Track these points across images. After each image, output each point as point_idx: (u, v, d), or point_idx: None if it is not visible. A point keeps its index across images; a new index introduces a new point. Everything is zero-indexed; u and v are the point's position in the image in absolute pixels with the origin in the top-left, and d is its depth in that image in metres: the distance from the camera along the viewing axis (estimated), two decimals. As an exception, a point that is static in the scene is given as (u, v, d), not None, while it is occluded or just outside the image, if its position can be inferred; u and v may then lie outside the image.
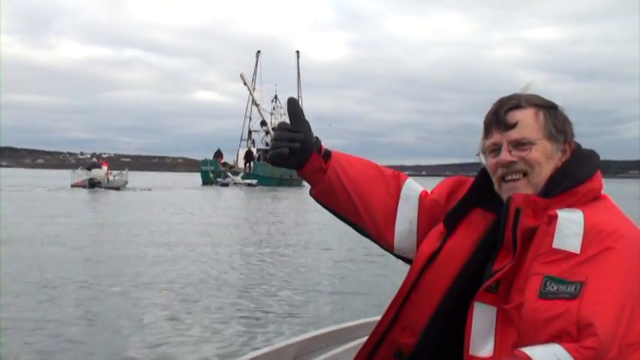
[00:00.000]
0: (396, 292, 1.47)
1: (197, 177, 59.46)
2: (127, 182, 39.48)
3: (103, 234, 14.13)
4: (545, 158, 1.38)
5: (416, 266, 1.45)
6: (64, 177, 48.44)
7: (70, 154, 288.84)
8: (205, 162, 52.77)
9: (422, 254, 1.45)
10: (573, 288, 1.19)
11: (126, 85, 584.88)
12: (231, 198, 32.97)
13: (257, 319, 6.76)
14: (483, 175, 1.46)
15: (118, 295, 7.68)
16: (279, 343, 1.79)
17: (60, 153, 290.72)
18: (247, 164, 53.65)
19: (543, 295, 1.20)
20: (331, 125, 60.10)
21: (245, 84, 57.22)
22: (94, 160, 41.25)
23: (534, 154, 1.38)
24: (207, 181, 50.68)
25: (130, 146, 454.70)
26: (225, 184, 48.62)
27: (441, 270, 1.40)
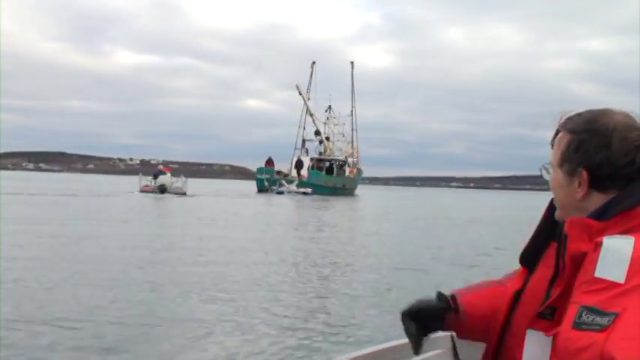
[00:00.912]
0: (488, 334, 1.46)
1: (249, 184, 61.29)
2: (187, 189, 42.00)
3: (199, 242, 14.17)
4: (556, 186, 1.36)
5: (504, 306, 1.44)
6: (127, 182, 51.13)
7: (120, 159, 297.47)
8: (261, 170, 54.19)
9: (508, 294, 1.44)
10: (607, 320, 1.12)
11: (176, 93, 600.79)
12: (288, 206, 33.95)
13: (315, 331, 6.53)
14: (553, 207, 1.41)
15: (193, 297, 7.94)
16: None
17: (110, 158, 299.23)
18: (298, 173, 55.15)
19: (577, 325, 1.15)
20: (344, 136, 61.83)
21: (300, 94, 59.08)
22: (160, 167, 43.65)
23: (551, 180, 1.38)
24: (262, 189, 52.13)
25: (178, 152, 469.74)
26: (281, 192, 50.07)
27: (525, 310, 1.36)
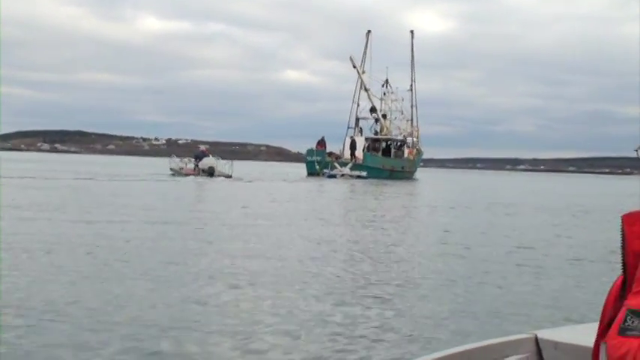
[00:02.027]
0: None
1: (292, 167, 61.97)
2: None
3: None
4: None
5: None
6: (152, 164, 51.97)
7: (144, 139, 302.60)
8: (311, 152, 55.23)
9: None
10: None
11: (206, 64, 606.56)
12: (342, 192, 34.72)
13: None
14: None
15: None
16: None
17: (133, 138, 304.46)
18: (351, 155, 55.99)
19: (622, 331, 1.14)
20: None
21: (354, 67, 59.70)
22: (202, 148, 45.43)
23: None
24: (312, 173, 53.24)
25: (208, 131, 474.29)
26: (333, 176, 51.10)
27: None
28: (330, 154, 55.54)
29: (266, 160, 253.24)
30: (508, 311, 7.66)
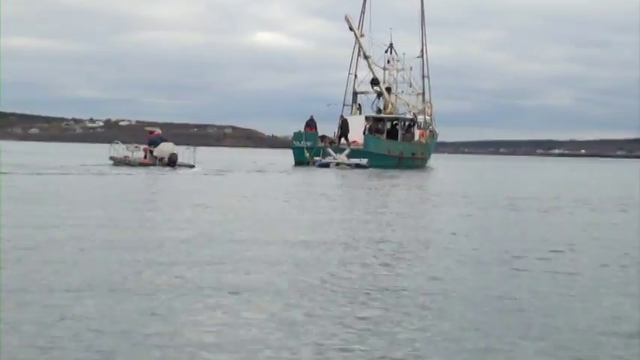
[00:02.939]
0: None
1: (274, 154, 61.71)
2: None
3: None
4: None
5: None
6: (90, 153, 49.99)
7: (76, 120, 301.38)
8: (299, 136, 56.19)
9: None
10: None
11: (155, 24, 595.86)
12: (337, 187, 33.86)
13: None
14: None
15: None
16: None
17: (61, 119, 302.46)
18: (341, 138, 56.98)
19: None
20: (330, 105, 63.45)
21: (351, 29, 60.82)
22: (157, 131, 45.74)
23: None
24: (301, 161, 54.34)
25: (157, 110, 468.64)
26: (325, 165, 52.09)
27: None
28: (323, 137, 56.65)
29: (233, 145, 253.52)
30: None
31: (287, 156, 57.47)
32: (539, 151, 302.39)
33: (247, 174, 43.07)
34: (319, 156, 53.59)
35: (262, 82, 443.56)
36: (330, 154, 53.56)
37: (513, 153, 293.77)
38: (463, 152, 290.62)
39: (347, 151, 53.90)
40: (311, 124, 56.91)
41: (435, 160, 73.49)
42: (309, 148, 54.89)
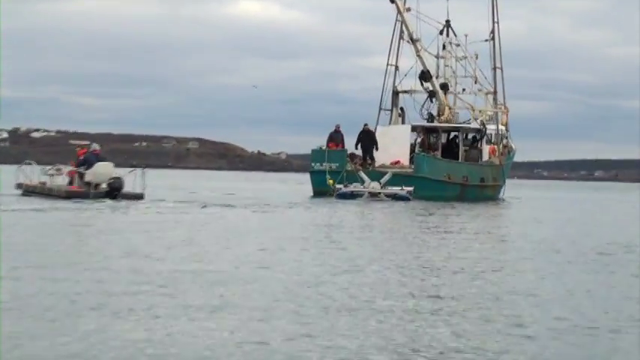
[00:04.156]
0: None
1: (265, 180, 60.90)
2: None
3: None
4: None
5: None
6: None
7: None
8: (319, 154, 56.04)
9: None
10: None
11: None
12: (364, 231, 32.31)
13: None
14: None
15: None
16: None
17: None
18: (366, 158, 56.85)
19: None
20: (257, 87, 62.93)
21: (393, 1, 59.81)
22: (94, 147, 44.98)
23: None
24: (321, 191, 53.99)
25: (90, 115, 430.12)
26: (348, 196, 51.66)
27: None
28: (353, 156, 56.66)
29: (199, 166, 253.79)
30: None
31: (283, 183, 56.63)
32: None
33: (242, 210, 41.34)
34: (342, 183, 53.35)
35: (245, 73, 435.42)
36: (364, 180, 53.43)
37: (616, 178, 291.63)
38: (541, 176, 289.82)
39: (387, 177, 53.36)
40: (336, 137, 56.82)
41: (510, 188, 71.99)
42: (333, 173, 54.35)
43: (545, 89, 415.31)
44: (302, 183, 66.73)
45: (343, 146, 56.64)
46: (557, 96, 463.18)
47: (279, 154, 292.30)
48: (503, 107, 66.08)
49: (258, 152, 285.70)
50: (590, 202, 79.92)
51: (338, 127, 57.20)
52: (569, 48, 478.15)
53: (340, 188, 52.55)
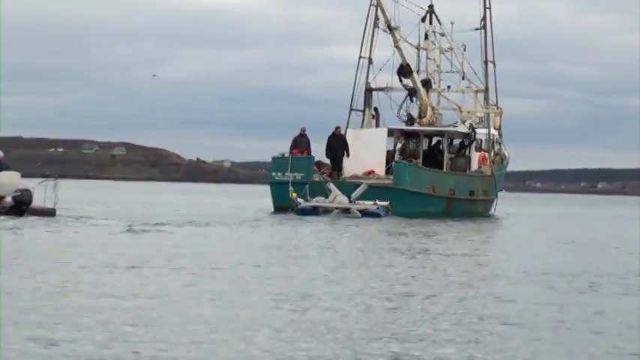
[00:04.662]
0: None
1: (209, 192, 60.23)
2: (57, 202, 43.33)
3: None
4: None
5: None
6: None
7: None
8: (281, 163, 56.08)
9: None
10: None
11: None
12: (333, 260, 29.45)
13: None
14: None
15: None
16: None
17: None
18: (335, 169, 56.99)
19: None
20: (156, 76, 63.33)
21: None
22: None
23: None
24: (282, 205, 54.07)
25: None
26: (314, 212, 51.88)
27: None
28: (320, 165, 56.95)
29: (126, 176, 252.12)
30: None
31: (227, 197, 56.75)
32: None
33: (177, 228, 40.87)
34: (305, 197, 53.04)
35: (182, 65, 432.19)
36: (331, 191, 53.03)
37: (623, 190, 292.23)
38: (534, 189, 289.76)
39: (360, 189, 53.03)
40: (301, 143, 56.91)
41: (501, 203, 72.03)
42: (298, 184, 54.18)
43: (539, 85, 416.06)
44: (260, 196, 66.07)
45: (309, 153, 56.67)
46: (553, 93, 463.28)
47: (222, 162, 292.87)
48: (495, 108, 66.64)
49: (197, 160, 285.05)
50: (594, 218, 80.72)
51: (303, 130, 57.32)
52: (568, 36, 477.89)
53: (300, 203, 52.26)
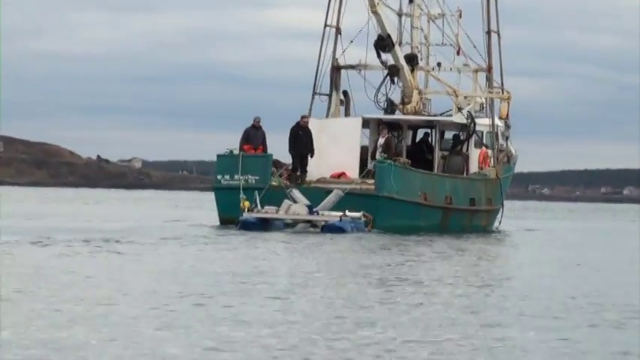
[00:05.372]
0: None
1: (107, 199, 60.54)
2: None
3: None
4: None
5: None
6: None
7: None
8: (229, 161, 56.65)
9: None
10: None
11: None
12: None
13: None
14: None
15: None
16: None
17: None
18: (298, 171, 57.37)
19: None
20: None
21: None
22: None
23: None
24: (229, 217, 54.34)
25: None
26: (261, 226, 52.16)
27: None
28: (278, 165, 57.33)
29: (3, 179, 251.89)
30: None
31: (151, 207, 56.84)
32: None
33: (91, 247, 40.21)
34: (255, 206, 53.21)
35: (76, 35, 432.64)
36: (292, 197, 53.59)
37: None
38: (541, 196, 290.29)
39: (333, 197, 53.66)
40: (254, 136, 57.36)
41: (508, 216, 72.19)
42: (251, 190, 54.28)
43: (545, 60, 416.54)
44: (190, 207, 66.31)
45: (265, 149, 57.10)
46: (563, 70, 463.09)
47: (129, 161, 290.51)
48: (501, 92, 66.98)
49: (98, 158, 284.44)
50: (625, 234, 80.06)
51: (257, 120, 57.71)
52: (584, 6, 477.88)
53: (247, 216, 52.36)
